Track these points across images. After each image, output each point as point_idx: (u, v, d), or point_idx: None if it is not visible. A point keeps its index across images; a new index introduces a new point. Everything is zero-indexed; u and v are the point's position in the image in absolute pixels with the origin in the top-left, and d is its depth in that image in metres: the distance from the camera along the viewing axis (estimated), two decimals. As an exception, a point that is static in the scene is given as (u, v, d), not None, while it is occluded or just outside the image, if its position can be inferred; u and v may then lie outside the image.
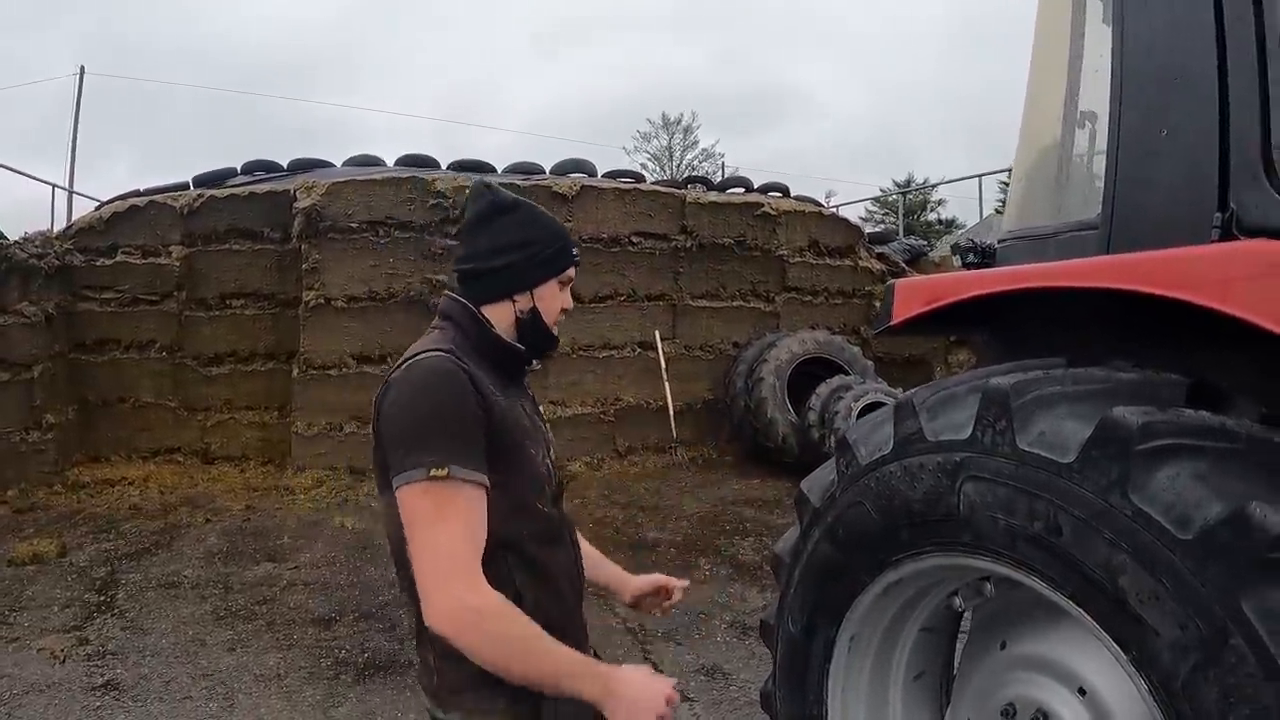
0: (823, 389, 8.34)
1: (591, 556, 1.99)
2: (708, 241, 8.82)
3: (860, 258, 10.05)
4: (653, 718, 1.52)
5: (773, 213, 9.13)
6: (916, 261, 11.11)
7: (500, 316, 1.75)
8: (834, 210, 10.55)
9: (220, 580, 5.22)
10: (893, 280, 2.33)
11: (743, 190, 9.62)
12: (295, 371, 7.37)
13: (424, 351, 1.61)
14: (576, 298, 7.93)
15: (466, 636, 1.49)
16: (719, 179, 11.26)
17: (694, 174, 8.93)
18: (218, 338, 7.92)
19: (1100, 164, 2.11)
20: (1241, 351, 1.69)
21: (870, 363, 9.27)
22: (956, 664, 2.32)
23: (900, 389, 8.87)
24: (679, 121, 40.43)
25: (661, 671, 2.17)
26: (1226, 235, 1.74)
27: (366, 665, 4.07)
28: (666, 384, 8.58)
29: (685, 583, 2.13)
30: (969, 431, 1.75)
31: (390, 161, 8.67)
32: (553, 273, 1.76)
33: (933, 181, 29.60)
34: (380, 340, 7.22)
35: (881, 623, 2.21)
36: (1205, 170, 1.80)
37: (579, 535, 1.91)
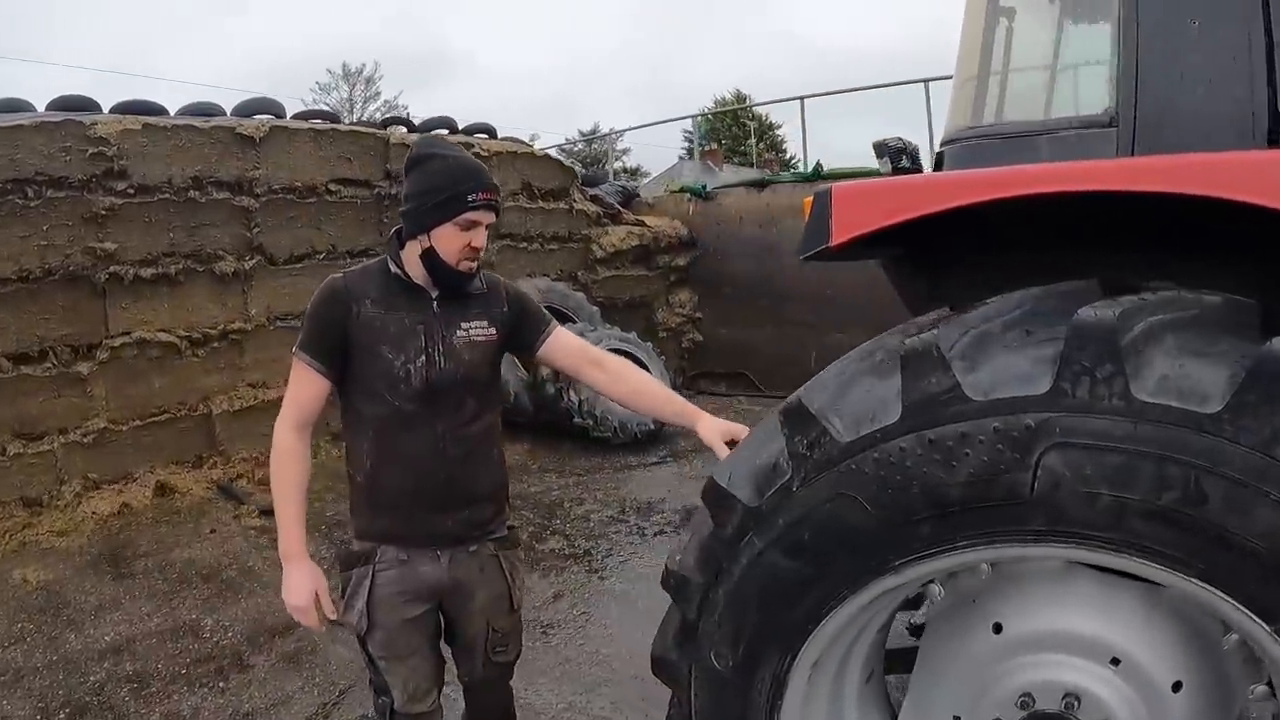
0: (554, 340, 7.98)
1: (674, 399, 2.43)
2: (416, 188, 8.00)
3: (575, 200, 9.74)
4: (288, 601, 2.25)
5: (484, 154, 8.48)
6: (629, 203, 11.01)
7: (411, 252, 2.26)
8: (546, 152, 10.10)
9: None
10: (828, 186, 1.90)
11: (447, 131, 8.89)
12: (-68, 385, 5.52)
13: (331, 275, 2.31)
14: (270, 259, 6.96)
15: (272, 451, 2.26)
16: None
17: (392, 116, 7.99)
18: None
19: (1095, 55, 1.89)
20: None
21: (596, 309, 9.07)
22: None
23: (633, 334, 8.74)
24: (360, 72, 38.92)
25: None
26: None
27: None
28: (382, 350, 7.75)
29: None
30: (1047, 383, 1.37)
31: (41, 107, 6.87)
32: (445, 217, 2.17)
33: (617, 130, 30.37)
34: (39, 332, 5.59)
35: (849, 637, 1.81)
36: (1250, 68, 1.61)
37: (647, 386, 2.44)
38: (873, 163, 9.05)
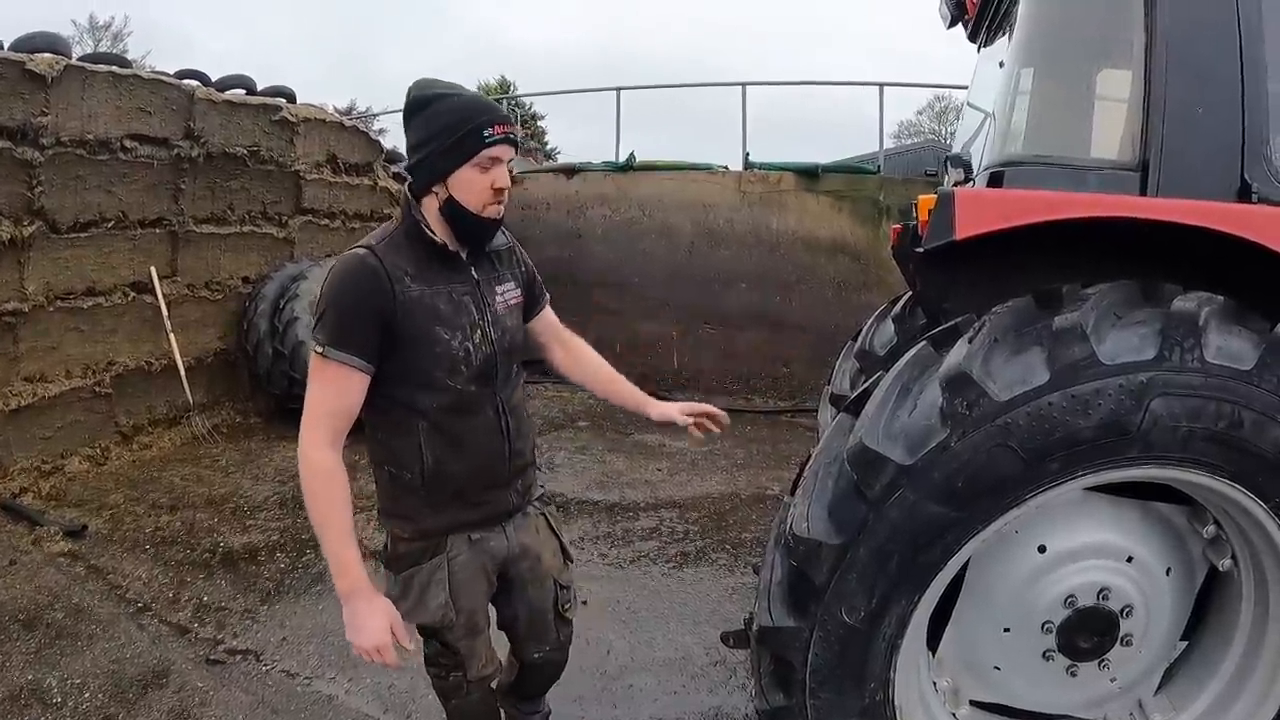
0: (372, 325, 7.92)
1: (627, 384, 2.58)
2: (217, 151, 7.61)
3: (379, 177, 9.70)
4: (358, 643, 2.07)
5: (292, 119, 8.30)
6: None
7: (430, 208, 2.12)
8: (355, 122, 9.93)
9: None
10: (950, 191, 2.32)
11: (244, 91, 8.56)
12: None
13: (352, 247, 2.10)
14: (52, 226, 6.53)
15: (301, 474, 2.05)
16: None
17: (188, 69, 7.44)
18: None
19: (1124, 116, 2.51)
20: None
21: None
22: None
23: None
24: (108, 26, 33.91)
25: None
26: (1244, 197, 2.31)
27: None
28: (172, 336, 7.34)
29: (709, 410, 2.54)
30: (1153, 351, 2.00)
31: None
32: (461, 160, 2.04)
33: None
34: None
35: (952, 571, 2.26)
36: (1230, 145, 2.33)
37: (603, 369, 2.59)
38: (685, 157, 9.63)
